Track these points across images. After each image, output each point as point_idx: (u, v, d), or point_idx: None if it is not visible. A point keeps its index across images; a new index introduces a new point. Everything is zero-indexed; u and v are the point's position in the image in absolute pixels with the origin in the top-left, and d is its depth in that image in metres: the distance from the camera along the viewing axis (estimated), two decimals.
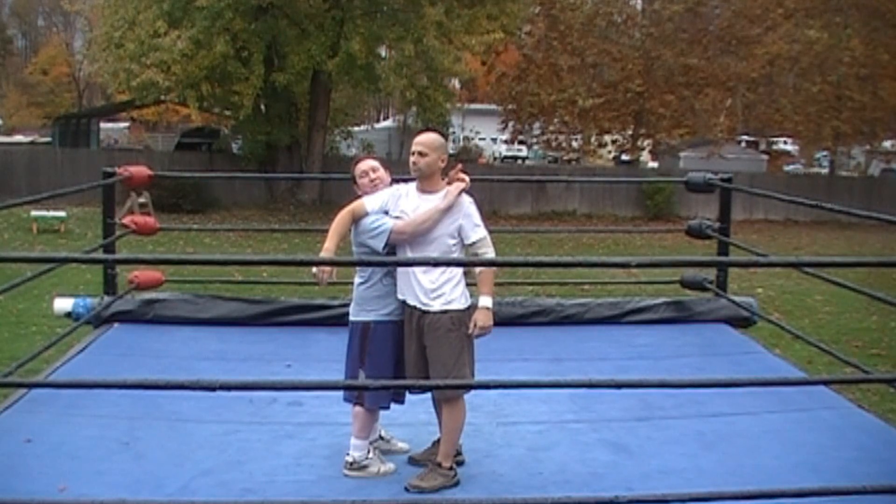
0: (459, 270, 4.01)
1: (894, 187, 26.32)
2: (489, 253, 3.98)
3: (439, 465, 3.88)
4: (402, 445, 4.22)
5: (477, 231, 3.96)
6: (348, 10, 19.48)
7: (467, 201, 3.99)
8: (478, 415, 4.43)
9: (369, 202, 4.03)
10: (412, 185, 4.09)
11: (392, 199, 4.04)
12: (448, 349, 3.87)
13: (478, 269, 4.02)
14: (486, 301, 3.89)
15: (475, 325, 3.88)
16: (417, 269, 3.91)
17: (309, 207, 21.22)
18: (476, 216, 3.98)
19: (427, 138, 3.99)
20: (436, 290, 3.87)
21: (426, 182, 4.00)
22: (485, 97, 35.59)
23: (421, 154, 3.94)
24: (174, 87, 18.90)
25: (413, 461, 4.08)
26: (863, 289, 5.03)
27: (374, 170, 4.13)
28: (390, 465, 4.00)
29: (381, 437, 4.21)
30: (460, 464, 4.01)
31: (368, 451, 3.98)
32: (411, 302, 3.93)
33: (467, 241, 3.95)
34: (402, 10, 18.91)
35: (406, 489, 3.80)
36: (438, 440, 4.10)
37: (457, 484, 3.86)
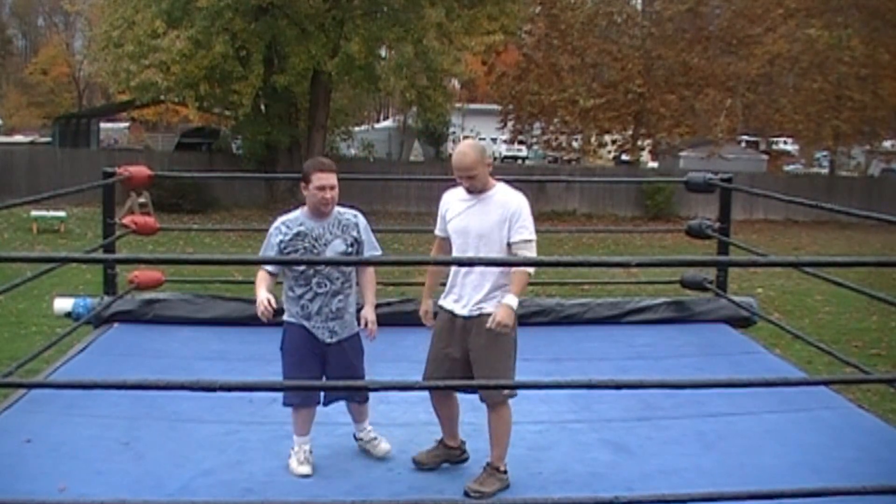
0: (510, 273, 3.92)
1: (894, 187, 26.31)
2: (530, 256, 3.87)
3: (497, 469, 3.88)
4: (383, 447, 4.15)
5: (522, 233, 3.85)
6: (348, 11, 19.47)
7: (518, 201, 3.88)
8: (478, 415, 4.41)
9: (437, 228, 4.13)
10: (459, 191, 4.00)
11: (443, 211, 4.06)
12: (498, 352, 3.86)
13: (512, 268, 3.93)
14: (511, 300, 3.79)
15: (493, 320, 3.76)
16: (477, 272, 3.87)
17: None
18: (526, 217, 3.87)
19: (466, 160, 3.83)
20: (492, 291, 3.85)
21: (478, 187, 3.92)
22: (485, 97, 35.59)
23: (470, 178, 3.86)
24: (173, 87, 18.89)
25: (418, 464, 4.04)
26: (863, 289, 5.03)
27: (332, 188, 3.96)
28: (305, 469, 3.93)
29: (358, 438, 4.21)
30: (464, 460, 4.05)
31: (298, 448, 3.99)
32: (457, 308, 3.91)
33: (511, 240, 3.86)
34: (402, 10, 18.90)
35: (466, 493, 3.78)
36: (441, 441, 4.09)
37: (507, 487, 3.87)
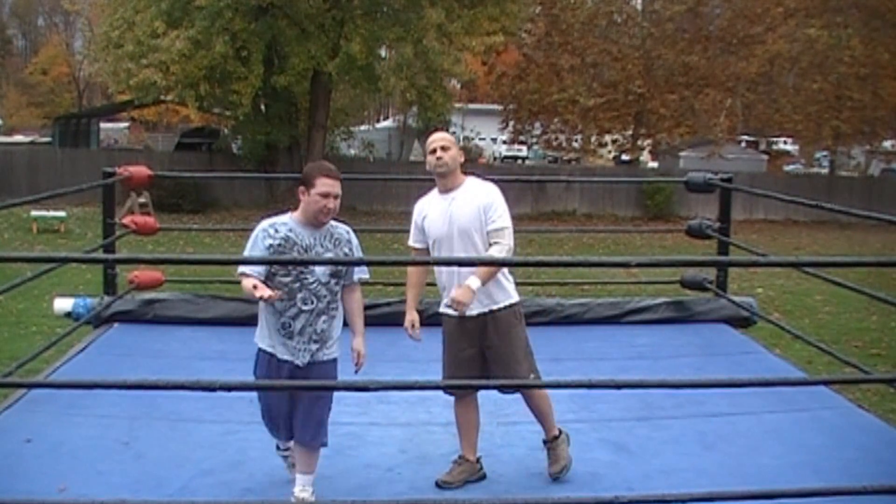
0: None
1: (894, 187, 26.31)
2: (505, 243, 3.86)
3: (555, 437, 3.96)
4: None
5: (496, 221, 3.87)
6: (348, 11, 19.47)
7: (490, 190, 3.92)
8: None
9: (411, 239, 4.07)
10: (431, 196, 4.01)
11: (419, 220, 4.03)
12: (517, 343, 3.91)
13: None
14: (475, 282, 3.76)
15: (450, 298, 3.79)
16: (472, 270, 3.80)
17: None
18: (500, 205, 3.90)
19: (444, 134, 3.99)
20: (490, 288, 3.84)
21: (449, 179, 3.92)
22: (485, 97, 35.62)
23: (444, 148, 3.88)
24: (173, 86, 18.90)
25: (446, 485, 3.88)
26: (863, 289, 5.03)
27: (336, 197, 3.61)
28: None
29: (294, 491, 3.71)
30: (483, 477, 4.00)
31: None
32: (466, 313, 3.83)
33: (487, 229, 3.86)
34: (402, 10, 18.90)
35: (556, 477, 3.88)
36: (462, 456, 3.98)
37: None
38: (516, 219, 4.18)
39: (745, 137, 33.26)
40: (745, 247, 7.20)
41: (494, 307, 3.88)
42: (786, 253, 16.51)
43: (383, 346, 5.71)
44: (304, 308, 3.59)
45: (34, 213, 16.84)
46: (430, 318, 5.89)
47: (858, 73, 23.48)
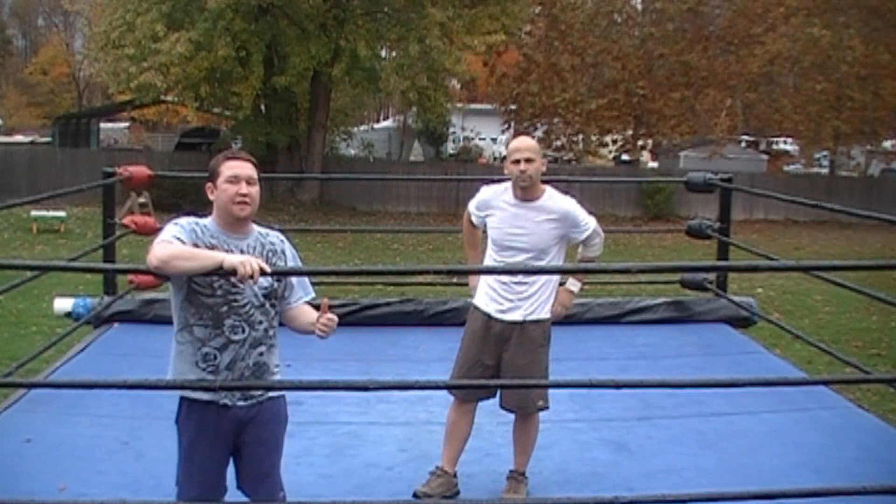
0: (557, 279, 3.87)
1: (894, 187, 26.30)
2: (599, 241, 3.95)
3: (523, 474, 3.84)
4: None
5: (586, 229, 3.85)
6: (348, 10, 19.48)
7: (568, 207, 3.81)
8: (478, 414, 4.42)
9: (473, 207, 3.94)
10: (505, 190, 3.83)
11: (482, 207, 3.89)
12: (538, 364, 3.80)
13: (580, 251, 3.95)
14: (575, 285, 3.97)
15: (558, 304, 3.86)
16: (528, 280, 3.71)
17: (309, 207, 21.22)
18: (582, 216, 3.83)
19: (531, 143, 3.78)
20: (536, 299, 3.74)
21: (530, 190, 3.75)
22: (485, 97, 35.61)
23: (529, 160, 3.66)
24: (172, 87, 18.89)
25: (423, 496, 3.78)
26: (863, 289, 5.03)
27: (250, 181, 2.94)
28: None
29: None
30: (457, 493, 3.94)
31: None
32: (495, 312, 3.76)
33: (580, 241, 3.88)
34: (402, 10, 18.91)
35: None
36: (441, 468, 3.89)
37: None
38: None
39: (746, 137, 33.24)
40: (746, 247, 7.20)
41: (528, 318, 3.74)
42: (786, 253, 16.51)
43: (383, 346, 5.72)
44: (235, 338, 2.86)
45: (34, 213, 16.84)
46: (430, 318, 5.90)
47: (859, 73, 23.47)
